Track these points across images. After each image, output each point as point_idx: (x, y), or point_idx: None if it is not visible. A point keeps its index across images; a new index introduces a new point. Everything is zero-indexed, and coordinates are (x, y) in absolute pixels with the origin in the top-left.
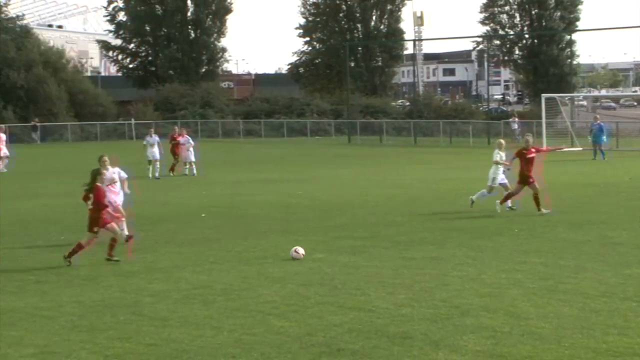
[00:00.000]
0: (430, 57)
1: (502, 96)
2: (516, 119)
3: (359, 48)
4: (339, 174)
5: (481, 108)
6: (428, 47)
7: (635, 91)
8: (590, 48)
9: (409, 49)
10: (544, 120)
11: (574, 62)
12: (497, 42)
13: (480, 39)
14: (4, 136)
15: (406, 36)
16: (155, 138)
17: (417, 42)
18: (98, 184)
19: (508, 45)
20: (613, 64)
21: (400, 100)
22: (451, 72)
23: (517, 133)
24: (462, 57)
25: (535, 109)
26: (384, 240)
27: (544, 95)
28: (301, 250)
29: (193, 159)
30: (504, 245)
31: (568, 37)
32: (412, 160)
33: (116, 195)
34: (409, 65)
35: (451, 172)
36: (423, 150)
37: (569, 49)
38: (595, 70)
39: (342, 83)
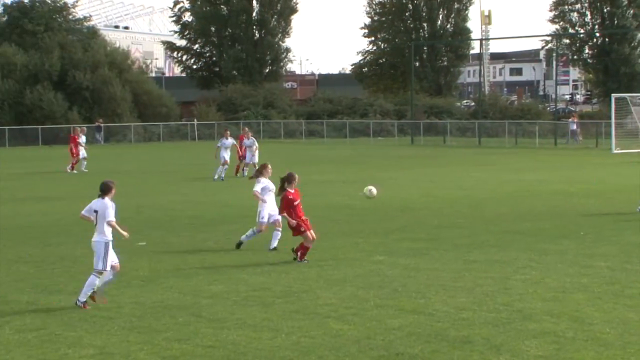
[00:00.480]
0: (497, 57)
1: (570, 96)
2: (575, 119)
3: (425, 47)
4: (401, 175)
5: (548, 108)
6: (495, 47)
7: None
8: None
9: (475, 48)
10: (613, 120)
11: None
12: (567, 40)
13: (549, 38)
14: (83, 138)
15: (473, 35)
16: (231, 140)
17: (483, 42)
18: (288, 189)
19: (578, 44)
20: None
21: (465, 101)
22: (518, 71)
23: (577, 134)
24: (529, 56)
25: (604, 109)
26: (445, 243)
27: (614, 95)
28: (374, 191)
29: (257, 160)
30: (569, 248)
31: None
32: (475, 161)
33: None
34: (475, 65)
35: (515, 173)
36: (488, 151)
37: None
38: None
39: (406, 83)
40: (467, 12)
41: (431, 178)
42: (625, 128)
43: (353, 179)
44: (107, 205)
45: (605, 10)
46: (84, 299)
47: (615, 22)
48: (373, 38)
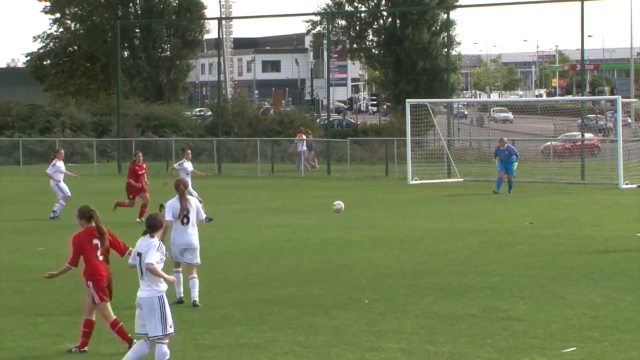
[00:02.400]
0: (243, 44)
1: (348, 101)
2: (304, 136)
3: (137, 29)
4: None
5: (318, 119)
6: (241, 29)
7: (540, 95)
8: (476, 33)
9: (212, 31)
10: (408, 137)
11: (453, 53)
12: (343, 22)
13: (316, 18)
14: None
15: (208, 13)
16: None
17: (224, 22)
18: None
19: (358, 28)
20: (508, 55)
21: (198, 109)
22: (275, 66)
23: (305, 156)
24: (290, 44)
25: (397, 121)
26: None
27: (409, 101)
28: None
29: None
30: (348, 323)
31: (444, 15)
32: (213, 199)
33: None
34: (212, 57)
35: (272, 215)
36: (231, 182)
37: (444, 34)
38: (483, 65)
39: (110, 83)
40: None
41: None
42: (425, 148)
43: None
44: (152, 245)
45: None
46: None
47: None
48: (58, 15)
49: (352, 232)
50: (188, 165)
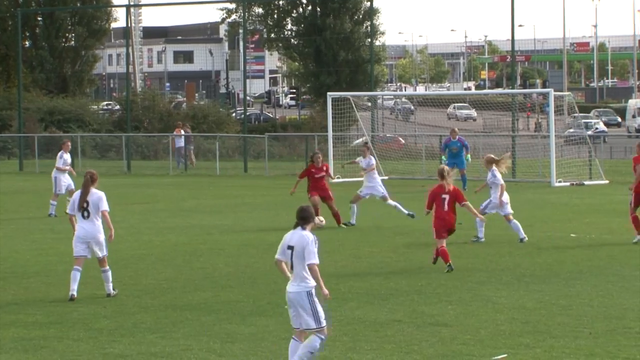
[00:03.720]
0: (154, 34)
1: (266, 95)
2: (182, 131)
3: (39, 17)
4: None
5: (234, 114)
6: (151, 18)
7: (469, 88)
8: (401, 22)
9: (120, 20)
10: (330, 133)
11: (377, 43)
12: (260, 10)
13: (232, 6)
14: None
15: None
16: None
17: (132, 9)
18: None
19: (276, 16)
20: (435, 45)
21: (106, 103)
22: (187, 56)
23: (183, 154)
24: (204, 33)
25: (318, 116)
26: (77, 326)
27: (330, 94)
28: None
29: None
30: (267, 330)
31: (367, 3)
32: (122, 198)
33: None
34: (119, 47)
35: (186, 216)
36: (142, 181)
37: (368, 23)
38: (409, 56)
39: (10, 75)
40: None
41: (52, 229)
42: (348, 144)
43: None
44: (307, 240)
45: None
46: None
47: None
48: None
49: (271, 234)
50: (67, 157)
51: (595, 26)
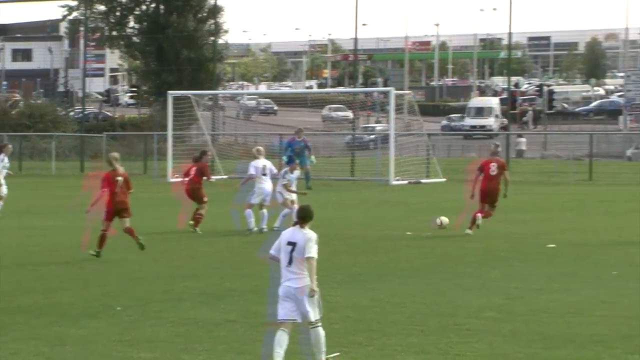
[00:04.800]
0: None
1: (106, 93)
2: None
3: None
4: None
5: (71, 113)
6: None
7: (311, 86)
8: (245, 20)
9: None
10: (170, 132)
11: (220, 41)
12: (102, 7)
13: (73, 3)
14: None
15: None
16: None
17: None
18: None
19: (119, 14)
20: (279, 44)
21: None
22: (26, 54)
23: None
24: (43, 31)
25: (158, 115)
26: None
27: (171, 93)
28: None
29: None
30: (98, 332)
31: (211, 1)
32: None
33: None
34: None
35: (20, 217)
36: None
37: (211, 21)
38: (252, 54)
39: None
40: None
41: None
42: (188, 143)
43: None
44: (312, 237)
45: None
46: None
47: None
48: None
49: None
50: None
51: (437, 25)
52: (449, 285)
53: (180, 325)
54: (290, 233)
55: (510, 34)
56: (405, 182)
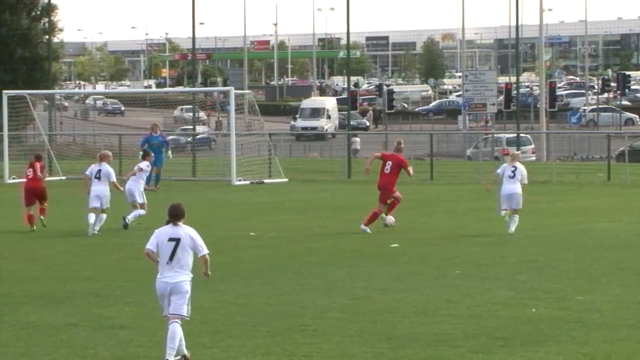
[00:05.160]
0: None
1: None
2: None
3: None
4: None
5: None
6: None
7: (149, 86)
8: (80, 19)
9: None
10: (5, 132)
11: (55, 40)
12: None
13: None
14: None
15: None
16: None
17: None
18: None
19: None
20: (116, 42)
21: None
22: None
23: None
24: None
25: None
26: None
27: (6, 93)
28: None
29: None
30: None
31: None
32: None
33: None
34: None
35: None
36: None
37: (46, 19)
38: (88, 53)
39: None
40: None
41: None
42: (25, 144)
43: None
44: (195, 233)
45: None
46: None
47: None
48: None
49: None
50: None
51: (276, 24)
52: (294, 285)
53: (21, 329)
54: (170, 230)
55: (348, 33)
56: (248, 182)
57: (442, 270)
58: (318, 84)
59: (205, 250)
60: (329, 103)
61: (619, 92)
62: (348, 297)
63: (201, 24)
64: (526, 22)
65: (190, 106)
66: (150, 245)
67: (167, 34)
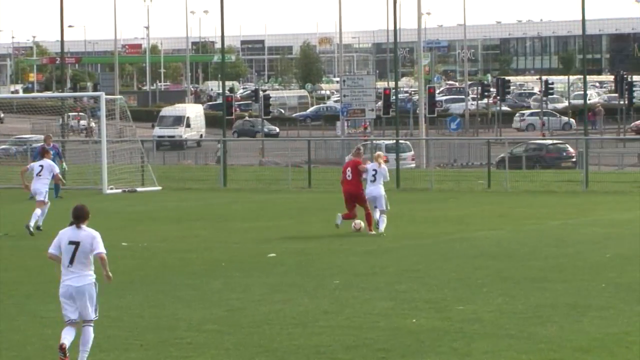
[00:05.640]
0: None
1: None
2: None
3: None
4: None
5: None
6: None
7: (16, 91)
8: None
9: None
10: None
11: None
12: None
13: None
14: None
15: None
16: None
17: None
18: None
19: None
20: None
21: None
22: None
23: None
24: None
25: None
26: None
27: None
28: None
29: None
30: None
31: None
32: None
33: None
34: None
35: None
36: None
37: None
38: None
39: None
40: None
41: None
42: None
43: None
44: (96, 235)
45: None
46: None
47: None
48: None
49: None
50: None
51: (148, 27)
52: (168, 297)
53: None
54: (71, 232)
55: (222, 37)
56: (120, 190)
57: (321, 281)
58: (192, 89)
59: (100, 249)
60: (192, 111)
61: (498, 97)
62: (224, 309)
63: (70, 26)
64: (404, 25)
65: (83, 114)
66: (53, 248)
67: (34, 37)
